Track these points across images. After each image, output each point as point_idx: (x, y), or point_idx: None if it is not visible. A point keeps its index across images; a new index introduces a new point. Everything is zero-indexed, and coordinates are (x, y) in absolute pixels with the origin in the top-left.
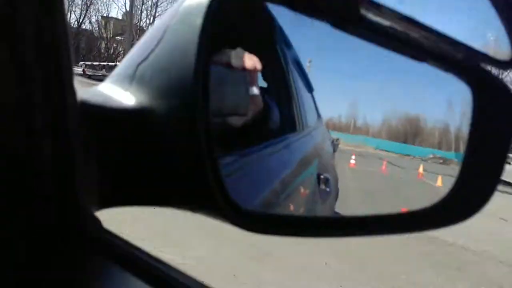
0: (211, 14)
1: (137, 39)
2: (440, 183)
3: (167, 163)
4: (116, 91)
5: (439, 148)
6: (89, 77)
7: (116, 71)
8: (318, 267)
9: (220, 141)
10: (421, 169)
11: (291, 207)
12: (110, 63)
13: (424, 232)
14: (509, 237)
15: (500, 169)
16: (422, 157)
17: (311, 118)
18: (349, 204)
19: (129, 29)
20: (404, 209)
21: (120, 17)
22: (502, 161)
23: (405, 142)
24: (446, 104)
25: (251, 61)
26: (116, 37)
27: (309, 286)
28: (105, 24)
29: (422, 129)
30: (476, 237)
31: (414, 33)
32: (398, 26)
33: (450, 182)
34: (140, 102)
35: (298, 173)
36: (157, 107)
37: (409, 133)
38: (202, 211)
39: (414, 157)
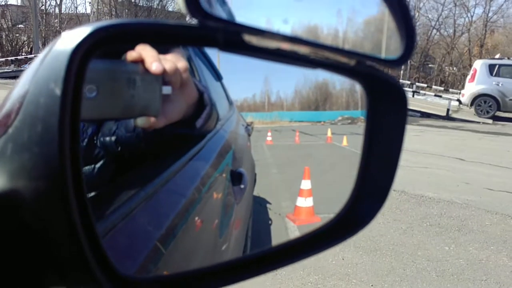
0: (72, 76)
1: (44, 25)
2: (346, 142)
3: (39, 248)
4: None
5: (347, 108)
6: None
7: None
8: None
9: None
10: (329, 133)
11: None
12: (18, 57)
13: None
14: (475, 178)
15: (397, 161)
16: (332, 120)
17: (222, 109)
18: (268, 181)
19: (34, 14)
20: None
21: (19, 3)
22: (399, 151)
23: (316, 109)
24: None
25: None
26: (19, 26)
27: None
28: (3, 13)
29: (331, 93)
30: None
31: (303, 50)
32: (286, 46)
33: (354, 139)
34: (1, 185)
35: (207, 181)
36: (22, 189)
37: (319, 100)
38: None
39: (324, 122)
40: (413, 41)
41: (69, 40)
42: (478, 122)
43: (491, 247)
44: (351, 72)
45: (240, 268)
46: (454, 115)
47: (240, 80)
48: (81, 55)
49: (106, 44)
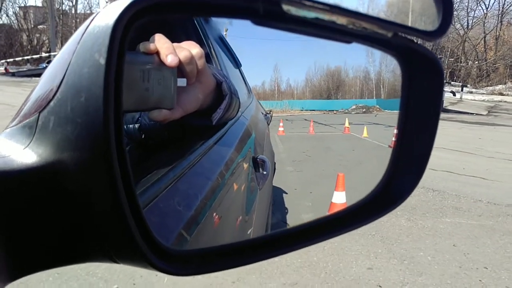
0: (116, 45)
1: (61, 25)
2: (366, 134)
3: (84, 218)
4: (16, 148)
5: (361, 97)
6: (13, 74)
7: (14, 121)
8: None
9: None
10: (347, 123)
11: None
12: (34, 56)
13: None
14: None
15: (433, 136)
16: (345, 109)
17: (242, 96)
18: (283, 183)
19: (50, 15)
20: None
21: (40, 4)
22: (436, 124)
23: (328, 98)
24: (365, 51)
25: (167, 49)
26: (38, 26)
27: None
28: (24, 14)
29: (343, 80)
30: None
31: (341, 20)
32: (324, 16)
33: (375, 130)
34: (45, 158)
35: (229, 167)
36: (66, 160)
37: (332, 88)
38: (126, 262)
39: (337, 111)
40: (451, 11)
41: (111, 12)
42: (472, 114)
43: (397, 212)
44: (388, 45)
45: (276, 243)
46: (450, 107)
47: (249, 67)
48: (123, 25)
49: (146, 15)
